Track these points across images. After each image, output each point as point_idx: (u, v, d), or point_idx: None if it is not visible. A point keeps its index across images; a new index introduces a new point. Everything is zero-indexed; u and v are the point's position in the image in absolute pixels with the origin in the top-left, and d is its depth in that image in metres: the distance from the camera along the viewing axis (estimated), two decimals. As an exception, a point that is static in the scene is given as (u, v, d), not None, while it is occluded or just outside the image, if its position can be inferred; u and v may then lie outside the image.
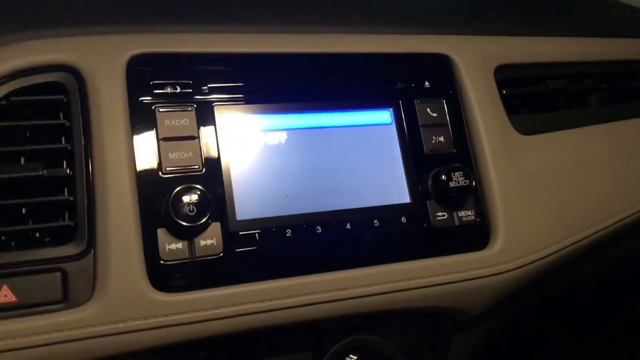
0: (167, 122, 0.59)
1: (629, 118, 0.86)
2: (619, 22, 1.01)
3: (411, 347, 0.72)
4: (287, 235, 0.61)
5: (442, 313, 0.70)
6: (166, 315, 0.55)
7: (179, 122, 0.60)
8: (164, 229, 0.56)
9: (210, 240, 0.57)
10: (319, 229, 0.62)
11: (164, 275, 0.56)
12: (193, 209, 0.56)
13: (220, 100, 0.62)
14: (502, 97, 0.75)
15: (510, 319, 0.79)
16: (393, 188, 0.66)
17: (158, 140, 0.58)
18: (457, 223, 0.67)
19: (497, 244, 0.68)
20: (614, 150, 0.81)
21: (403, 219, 0.65)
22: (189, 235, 0.57)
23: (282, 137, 0.64)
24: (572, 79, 0.85)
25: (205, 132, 0.60)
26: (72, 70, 0.58)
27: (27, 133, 0.57)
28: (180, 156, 0.59)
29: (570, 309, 0.90)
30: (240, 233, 0.59)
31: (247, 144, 0.62)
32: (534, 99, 0.81)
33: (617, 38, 0.91)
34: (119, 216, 0.55)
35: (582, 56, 0.85)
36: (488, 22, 0.79)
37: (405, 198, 0.66)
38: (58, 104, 0.58)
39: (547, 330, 0.91)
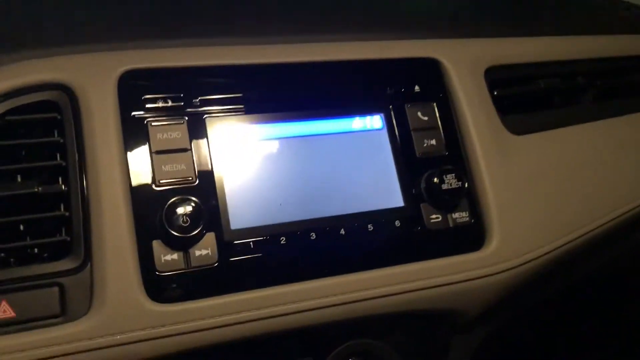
0: (159, 135, 0.60)
1: (622, 114, 0.86)
2: (612, 18, 1.02)
3: (411, 350, 0.72)
4: (282, 242, 0.61)
5: (440, 315, 0.70)
6: (163, 326, 0.55)
7: (171, 135, 0.61)
8: (159, 241, 0.57)
9: (205, 250, 0.58)
10: (314, 236, 0.62)
11: (160, 286, 0.56)
12: (187, 219, 0.57)
13: (212, 112, 0.63)
14: (494, 98, 0.76)
15: (509, 319, 0.79)
16: (386, 192, 0.67)
17: (151, 153, 0.59)
18: (451, 225, 0.68)
19: (492, 245, 0.68)
20: (608, 147, 0.81)
21: (397, 223, 0.66)
22: (183, 246, 0.57)
23: (274, 145, 0.64)
24: (564, 77, 0.85)
25: (198, 144, 0.61)
26: (64, 89, 0.59)
27: (23, 151, 0.58)
28: (173, 168, 0.60)
29: (570, 308, 0.90)
30: (235, 242, 0.60)
31: (240, 154, 0.63)
32: (526, 99, 0.81)
33: (609, 35, 0.91)
34: (114, 229, 0.56)
35: (573, 54, 0.86)
36: (477, 25, 0.80)
37: (399, 202, 0.67)
38: (52, 122, 0.59)
39: (546, 330, 0.91)
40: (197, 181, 0.60)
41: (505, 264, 0.68)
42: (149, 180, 0.59)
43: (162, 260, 0.57)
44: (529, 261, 0.70)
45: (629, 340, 1.04)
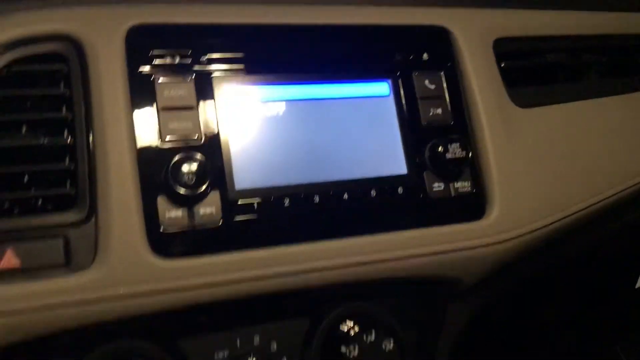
0: (166, 92, 0.60)
1: (628, 92, 0.86)
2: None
3: (408, 315, 0.73)
4: (285, 204, 0.62)
5: (439, 282, 0.71)
6: (166, 280, 0.56)
7: (178, 93, 0.60)
8: (163, 197, 0.57)
9: (209, 208, 0.58)
10: (317, 199, 0.63)
11: (163, 242, 0.57)
12: (192, 177, 0.57)
13: (219, 71, 0.62)
14: (501, 70, 0.75)
15: (506, 290, 0.80)
16: (390, 159, 0.67)
17: (157, 110, 0.59)
18: (453, 194, 0.68)
19: (494, 215, 0.68)
20: (612, 124, 0.81)
21: (400, 190, 0.66)
22: (188, 203, 0.58)
23: (281, 108, 0.64)
24: (572, 52, 0.85)
25: (204, 102, 0.61)
26: (72, 40, 0.58)
27: (28, 102, 0.58)
28: (179, 126, 0.60)
29: (568, 281, 0.91)
30: (239, 201, 0.60)
31: (246, 114, 0.63)
32: (533, 72, 0.81)
33: (618, 12, 0.91)
34: (119, 184, 0.56)
35: (582, 29, 0.85)
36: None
37: (402, 169, 0.67)
38: (58, 74, 0.58)
39: (544, 302, 0.92)
40: (203, 139, 0.60)
41: (505, 235, 0.69)
42: (154, 137, 0.59)
43: (167, 216, 0.57)
44: (529, 232, 0.70)
45: (622, 320, 1.05)
